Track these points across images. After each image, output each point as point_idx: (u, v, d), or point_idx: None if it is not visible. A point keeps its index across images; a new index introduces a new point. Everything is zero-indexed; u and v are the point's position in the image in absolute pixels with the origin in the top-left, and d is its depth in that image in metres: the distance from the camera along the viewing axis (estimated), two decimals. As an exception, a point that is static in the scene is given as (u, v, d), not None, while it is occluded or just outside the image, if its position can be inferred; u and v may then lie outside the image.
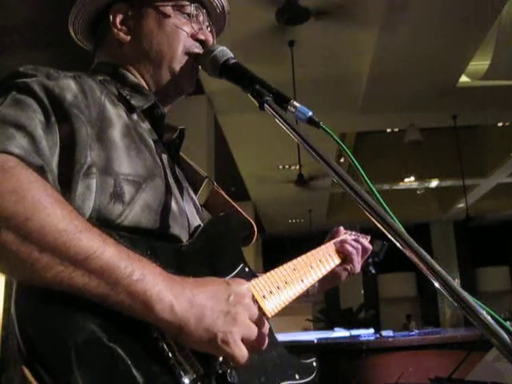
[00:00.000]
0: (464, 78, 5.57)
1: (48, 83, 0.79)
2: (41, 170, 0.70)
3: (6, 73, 0.81)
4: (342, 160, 7.57)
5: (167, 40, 0.97)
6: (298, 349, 3.00)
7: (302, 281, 1.03)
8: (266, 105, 0.84)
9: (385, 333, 3.23)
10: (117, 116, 0.87)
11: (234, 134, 6.68)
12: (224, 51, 0.95)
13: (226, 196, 1.08)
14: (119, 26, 0.98)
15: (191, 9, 1.00)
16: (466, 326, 9.31)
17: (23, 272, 0.63)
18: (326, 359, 2.87)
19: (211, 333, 0.68)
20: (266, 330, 0.77)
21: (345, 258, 1.26)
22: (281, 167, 8.07)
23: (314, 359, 0.96)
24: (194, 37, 1.00)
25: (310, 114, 0.84)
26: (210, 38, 1.02)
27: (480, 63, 5.33)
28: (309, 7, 4.07)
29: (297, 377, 0.91)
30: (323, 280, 1.22)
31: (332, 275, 1.24)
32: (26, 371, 0.58)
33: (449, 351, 2.70)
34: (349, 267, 1.27)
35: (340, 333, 3.46)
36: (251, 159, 7.64)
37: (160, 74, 0.98)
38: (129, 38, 0.97)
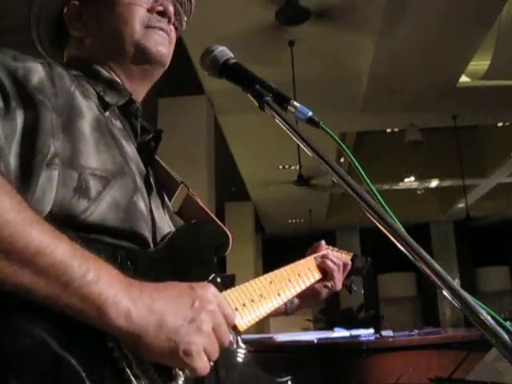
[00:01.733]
0: (464, 78, 5.57)
1: (12, 64, 0.72)
2: None
3: None
4: (342, 160, 7.58)
5: (122, 20, 0.91)
6: (298, 349, 3.00)
7: (279, 295, 0.98)
8: (266, 105, 0.84)
9: (385, 333, 3.23)
10: (87, 108, 0.81)
11: (234, 134, 6.68)
12: (224, 51, 0.94)
13: (201, 203, 1.02)
14: (74, 25, 0.94)
15: None
16: (466, 326, 9.31)
17: None
18: (326, 359, 2.87)
19: (173, 342, 0.61)
20: (227, 340, 0.69)
21: (325, 274, 1.23)
22: (281, 167, 8.07)
23: (289, 378, 0.90)
24: (151, 11, 0.94)
25: (310, 113, 0.84)
26: (171, 8, 0.97)
27: (480, 63, 5.34)
28: (309, 7, 4.08)
29: None
30: (303, 297, 1.19)
31: (312, 292, 1.21)
32: None
33: (449, 351, 2.69)
34: (329, 284, 1.24)
35: (340, 333, 3.46)
36: (251, 159, 7.64)
37: (126, 55, 0.92)
38: (83, 32, 0.94)
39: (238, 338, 0.84)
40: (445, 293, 0.63)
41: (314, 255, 1.24)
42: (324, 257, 1.24)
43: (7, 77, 0.70)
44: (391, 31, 4.40)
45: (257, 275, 0.95)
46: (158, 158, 1.02)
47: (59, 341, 0.57)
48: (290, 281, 1.05)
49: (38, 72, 0.74)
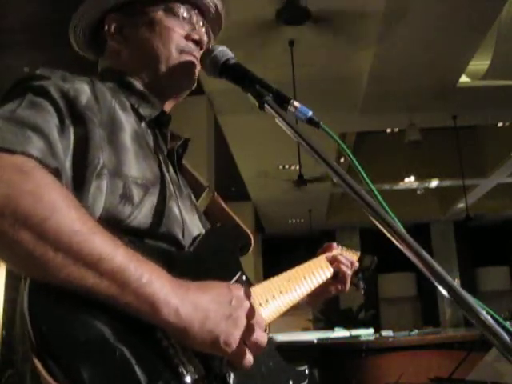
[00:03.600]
0: (464, 78, 5.57)
1: (63, 86, 0.80)
2: (56, 173, 0.72)
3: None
4: (342, 160, 7.57)
5: (160, 41, 0.98)
6: (298, 349, 3.00)
7: (296, 291, 1.07)
8: (266, 105, 0.84)
9: (385, 333, 3.23)
10: (126, 121, 0.88)
11: (234, 134, 6.68)
12: (224, 51, 0.95)
13: (225, 206, 1.09)
14: (114, 36, 1.00)
15: (182, 10, 1.01)
16: (466, 326, 9.31)
17: (36, 270, 0.64)
18: (325, 359, 2.87)
19: (214, 335, 0.71)
20: (264, 331, 0.79)
21: (337, 274, 1.29)
22: (281, 167, 8.07)
23: (306, 367, 0.98)
24: (187, 38, 1.01)
25: (310, 113, 0.84)
26: (205, 38, 1.03)
27: (480, 63, 5.33)
28: (309, 7, 4.08)
29: (291, 383, 0.94)
30: (313, 294, 1.26)
31: (322, 290, 1.27)
32: (38, 363, 0.60)
33: (449, 351, 2.70)
34: (339, 285, 1.30)
35: (340, 333, 3.46)
36: (251, 159, 7.64)
37: (159, 75, 0.99)
38: (123, 47, 1.00)
39: None
40: (444, 293, 0.63)
41: (325, 255, 1.30)
42: (336, 259, 1.30)
43: (61, 98, 0.79)
44: (391, 31, 4.40)
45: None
46: (184, 163, 1.08)
47: (116, 333, 0.65)
48: (304, 278, 1.14)
49: (85, 92, 0.83)
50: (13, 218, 0.63)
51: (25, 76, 0.82)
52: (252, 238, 1.01)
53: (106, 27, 1.01)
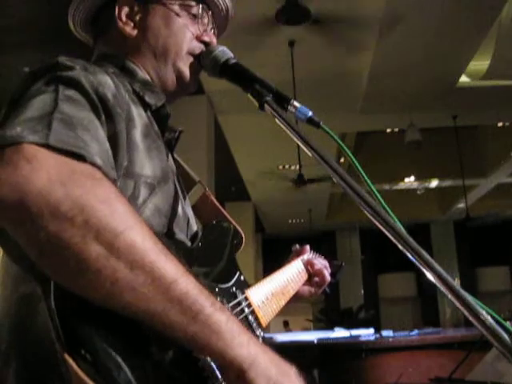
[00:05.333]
0: (464, 78, 5.57)
1: (92, 79, 0.74)
2: (114, 183, 0.67)
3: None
4: (341, 160, 7.57)
5: (174, 38, 0.96)
6: (298, 349, 3.00)
7: (283, 294, 1.10)
8: (266, 105, 0.84)
9: (385, 333, 3.23)
10: (138, 116, 0.84)
11: (234, 134, 6.69)
12: (224, 51, 0.95)
13: (217, 203, 1.07)
14: (124, 20, 0.95)
15: (198, 10, 1.00)
16: (466, 326, 9.31)
17: (100, 291, 0.58)
18: (325, 359, 2.87)
19: None
20: None
21: (310, 277, 1.29)
22: (281, 167, 8.08)
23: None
24: (198, 38, 0.99)
25: (310, 113, 0.84)
26: (214, 40, 1.01)
27: (480, 63, 5.34)
28: (309, 7, 4.08)
29: None
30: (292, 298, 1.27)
31: (296, 293, 1.25)
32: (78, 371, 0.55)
33: (449, 351, 2.69)
34: (314, 289, 1.29)
35: (340, 333, 3.46)
36: (251, 159, 7.64)
37: (165, 71, 0.96)
38: (135, 32, 0.95)
39: (263, 333, 0.92)
40: (445, 293, 0.63)
41: (300, 258, 1.29)
42: (311, 263, 1.29)
43: (94, 93, 0.73)
44: (391, 31, 4.40)
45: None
46: (175, 155, 1.05)
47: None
48: (288, 281, 1.15)
49: (111, 88, 0.77)
50: (85, 228, 0.57)
51: (46, 64, 0.75)
52: (244, 237, 1.00)
53: (117, 9, 0.95)
